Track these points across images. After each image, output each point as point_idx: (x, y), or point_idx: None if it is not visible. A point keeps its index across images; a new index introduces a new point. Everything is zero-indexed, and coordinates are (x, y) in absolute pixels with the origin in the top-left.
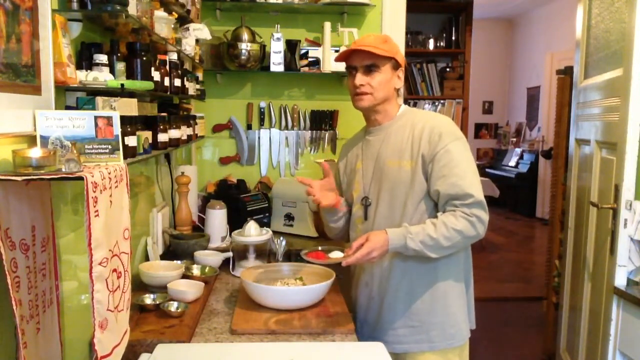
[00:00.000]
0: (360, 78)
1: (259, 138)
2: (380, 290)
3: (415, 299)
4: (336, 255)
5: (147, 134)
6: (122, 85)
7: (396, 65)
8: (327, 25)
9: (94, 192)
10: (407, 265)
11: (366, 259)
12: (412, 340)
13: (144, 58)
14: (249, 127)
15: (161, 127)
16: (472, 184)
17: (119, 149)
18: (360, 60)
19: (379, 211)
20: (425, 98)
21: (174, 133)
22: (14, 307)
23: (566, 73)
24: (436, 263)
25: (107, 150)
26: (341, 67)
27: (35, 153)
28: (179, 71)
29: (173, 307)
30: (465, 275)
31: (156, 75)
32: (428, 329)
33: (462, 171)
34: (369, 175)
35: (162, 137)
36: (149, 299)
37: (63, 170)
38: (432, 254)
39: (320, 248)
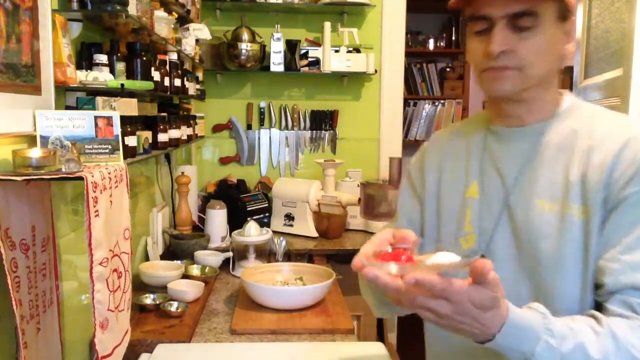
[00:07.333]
0: (500, 38)
1: (259, 138)
2: None
3: None
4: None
5: (147, 134)
6: (122, 85)
7: (564, 14)
8: (327, 25)
9: (94, 192)
10: None
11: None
12: None
13: (144, 58)
14: (249, 127)
15: (161, 127)
16: None
17: (119, 149)
18: (502, 6)
19: (501, 276)
20: (425, 98)
21: (174, 133)
22: (14, 307)
23: (566, 73)
24: None
25: (107, 150)
26: (341, 66)
27: (35, 153)
28: (179, 71)
29: (173, 307)
30: None
31: (156, 75)
32: None
33: None
34: (494, 212)
35: (162, 137)
36: (149, 299)
37: (63, 170)
38: None
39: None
